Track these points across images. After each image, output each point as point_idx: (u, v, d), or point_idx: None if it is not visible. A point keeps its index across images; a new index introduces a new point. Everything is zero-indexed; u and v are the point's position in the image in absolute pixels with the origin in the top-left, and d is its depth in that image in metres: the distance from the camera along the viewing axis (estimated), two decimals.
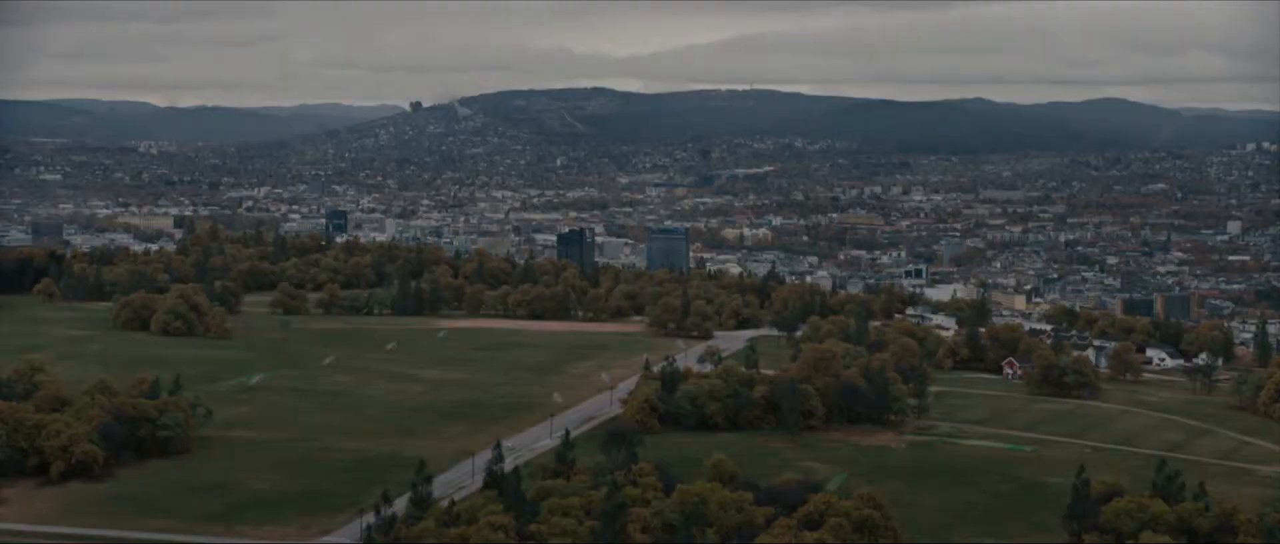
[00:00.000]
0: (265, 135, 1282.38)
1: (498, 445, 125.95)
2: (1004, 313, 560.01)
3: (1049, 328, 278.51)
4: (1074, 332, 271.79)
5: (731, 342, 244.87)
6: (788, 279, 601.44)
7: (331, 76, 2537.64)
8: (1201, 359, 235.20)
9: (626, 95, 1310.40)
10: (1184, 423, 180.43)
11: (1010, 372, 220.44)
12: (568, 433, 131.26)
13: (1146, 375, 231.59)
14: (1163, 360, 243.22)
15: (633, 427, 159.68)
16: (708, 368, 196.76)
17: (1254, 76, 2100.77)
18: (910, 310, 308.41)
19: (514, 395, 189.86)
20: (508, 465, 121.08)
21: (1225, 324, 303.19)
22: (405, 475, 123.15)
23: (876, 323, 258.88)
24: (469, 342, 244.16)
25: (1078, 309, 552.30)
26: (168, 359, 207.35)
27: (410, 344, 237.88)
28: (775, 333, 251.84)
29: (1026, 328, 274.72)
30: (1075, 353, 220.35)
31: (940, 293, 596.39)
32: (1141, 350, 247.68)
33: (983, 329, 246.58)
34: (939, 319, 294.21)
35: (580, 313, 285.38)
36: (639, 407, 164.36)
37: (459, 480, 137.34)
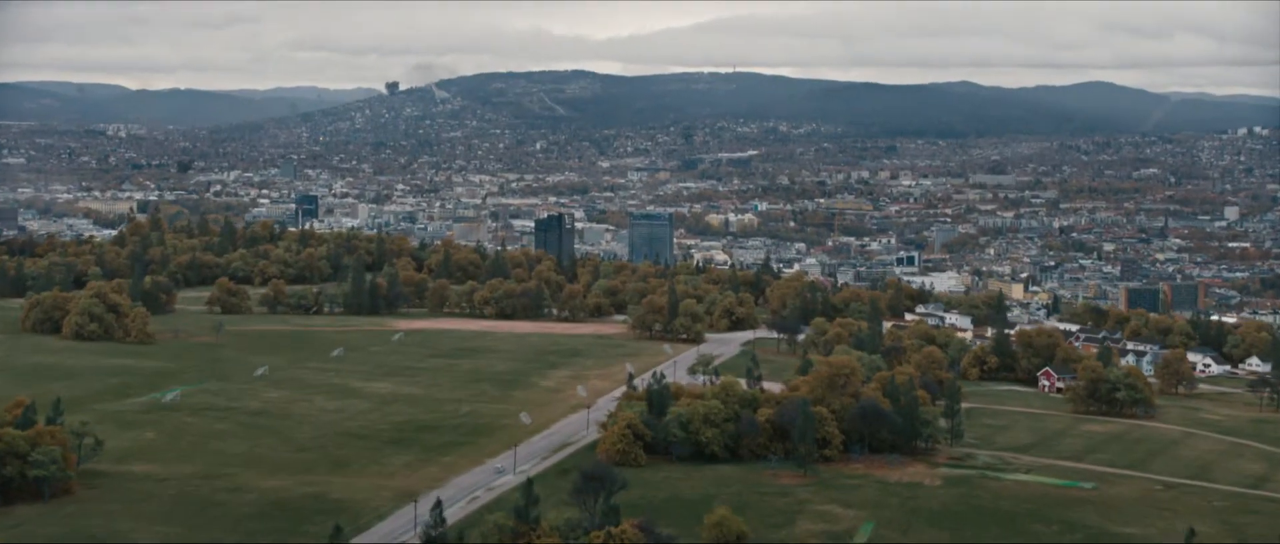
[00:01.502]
0: (239, 119, 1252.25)
1: (438, 507, 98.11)
2: (1010, 303, 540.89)
3: (1076, 328, 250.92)
4: (1103, 333, 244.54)
5: (724, 346, 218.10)
6: (777, 268, 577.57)
7: (307, 59, 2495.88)
8: (1251, 366, 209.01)
9: (607, 78, 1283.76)
10: (1260, 449, 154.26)
11: (1047, 384, 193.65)
12: (530, 483, 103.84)
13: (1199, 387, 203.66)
14: (1208, 367, 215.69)
15: (613, 459, 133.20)
16: (700, 381, 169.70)
17: (1240, 60, 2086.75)
18: (921, 308, 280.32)
19: (474, 415, 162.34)
20: (460, 511, 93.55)
21: (1274, 325, 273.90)
22: (326, 527, 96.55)
23: (886, 323, 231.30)
24: (427, 346, 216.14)
25: (1080, 299, 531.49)
26: (75, 370, 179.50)
27: (360, 350, 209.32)
28: (774, 336, 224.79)
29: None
30: (1124, 362, 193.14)
31: (937, 281, 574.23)
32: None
33: (1012, 332, 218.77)
34: (953, 318, 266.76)
35: (554, 311, 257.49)
36: (620, 434, 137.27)
37: (397, 532, 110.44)
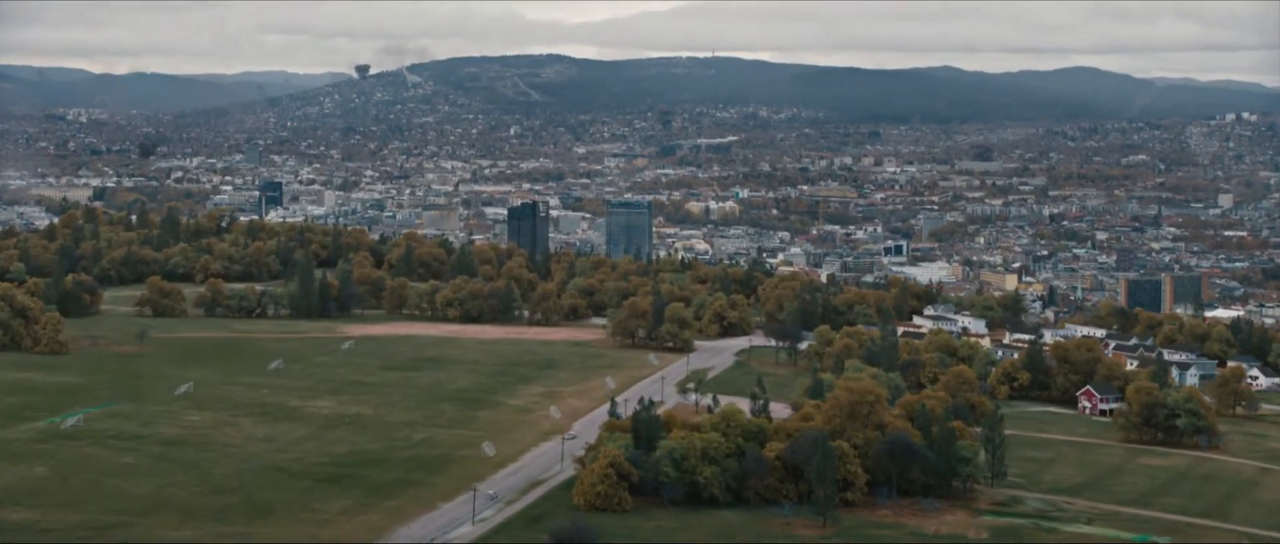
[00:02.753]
0: (205, 104, 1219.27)
1: None
2: (995, 291, 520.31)
3: (1103, 334, 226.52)
4: (1134, 339, 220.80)
5: (716, 356, 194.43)
6: (764, 261, 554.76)
7: (276, 43, 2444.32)
8: None
9: (583, 62, 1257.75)
10: None
11: (1088, 405, 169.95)
12: None
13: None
14: (1256, 380, 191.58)
15: (593, 502, 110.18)
16: (692, 401, 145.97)
17: (1225, 46, 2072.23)
18: (930, 310, 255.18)
19: (429, 444, 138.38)
20: None
21: None
22: None
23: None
24: (381, 355, 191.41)
25: (1079, 292, 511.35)
26: None
27: (302, 361, 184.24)
28: (771, 344, 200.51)
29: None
30: (1181, 382, 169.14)
31: (926, 271, 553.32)
32: (1222, 363, 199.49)
33: (1047, 343, 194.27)
34: (965, 321, 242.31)
35: (526, 314, 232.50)
36: (601, 474, 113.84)
37: None
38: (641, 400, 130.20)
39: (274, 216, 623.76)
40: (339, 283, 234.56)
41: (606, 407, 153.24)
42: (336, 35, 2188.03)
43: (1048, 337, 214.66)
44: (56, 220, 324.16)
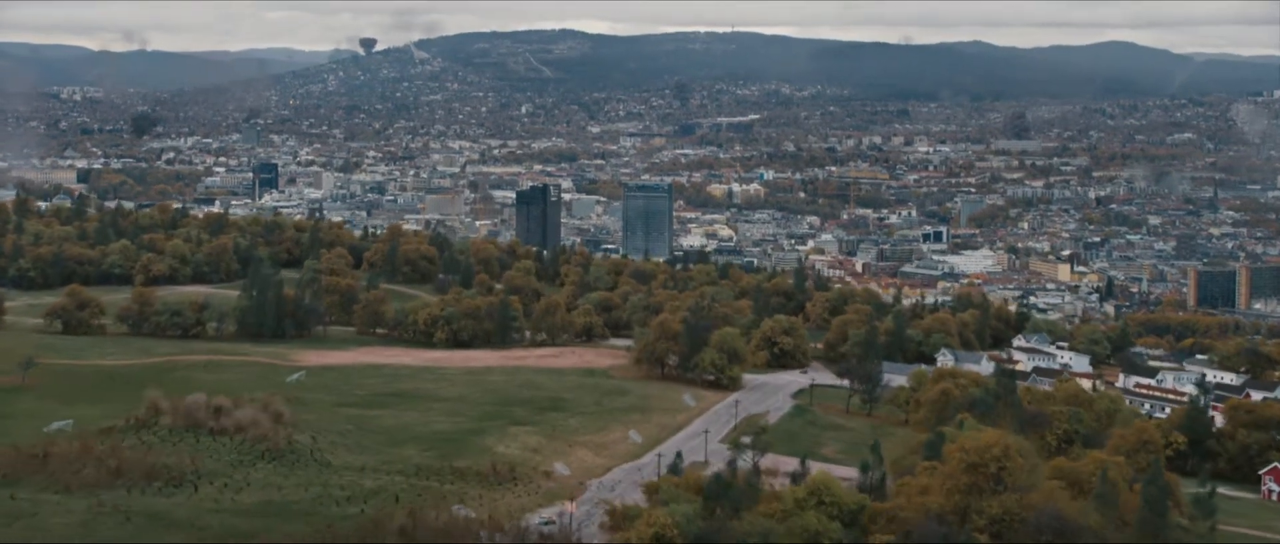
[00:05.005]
0: (206, 82, 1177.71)
1: None
2: (1048, 283, 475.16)
3: (1238, 378, 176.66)
4: None
5: (769, 397, 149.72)
6: (784, 245, 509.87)
7: (280, 19, 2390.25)
8: None
9: (597, 37, 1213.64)
10: None
11: (1275, 488, 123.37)
12: None
13: None
14: None
15: None
16: (747, 464, 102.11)
17: (1264, 19, 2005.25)
18: (1020, 341, 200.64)
19: (376, 532, 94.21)
20: None
21: None
22: None
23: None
24: (338, 390, 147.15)
25: (1145, 283, 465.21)
26: None
27: (232, 396, 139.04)
28: (838, 383, 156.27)
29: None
30: None
31: (969, 261, 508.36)
32: None
33: (1214, 406, 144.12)
34: (1067, 357, 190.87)
35: (527, 334, 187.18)
36: None
37: None
38: (723, 471, 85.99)
39: (268, 200, 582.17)
40: (304, 293, 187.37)
41: (630, 465, 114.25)
42: (341, 10, 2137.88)
43: (1170, 380, 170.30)
44: None
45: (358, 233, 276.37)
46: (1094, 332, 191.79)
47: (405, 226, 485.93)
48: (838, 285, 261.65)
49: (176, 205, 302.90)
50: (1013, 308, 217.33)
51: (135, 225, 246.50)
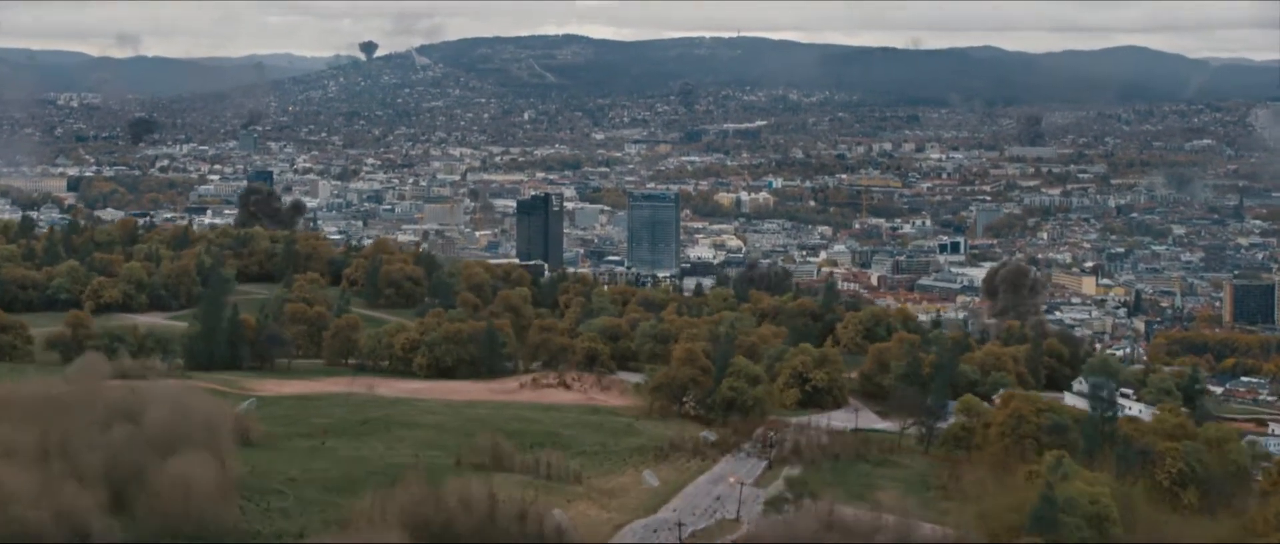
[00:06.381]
0: (206, 87, 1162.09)
1: None
2: (1072, 297, 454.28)
3: None
4: None
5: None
6: (796, 256, 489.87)
7: (280, 23, 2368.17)
8: None
9: (601, 43, 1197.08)
10: None
11: None
12: None
13: None
14: None
15: None
16: (786, 520, 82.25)
17: (1277, 23, 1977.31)
18: (1079, 386, 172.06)
19: None
20: None
21: None
22: None
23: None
24: (293, 419, 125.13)
25: (1179, 298, 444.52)
26: None
27: None
28: (886, 426, 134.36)
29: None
30: None
31: (985, 273, 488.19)
32: None
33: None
34: (1133, 408, 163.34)
35: (519, 364, 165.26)
36: None
37: None
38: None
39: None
40: (264, 317, 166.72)
41: (645, 520, 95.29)
42: (342, 14, 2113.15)
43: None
44: None
45: (342, 248, 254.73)
46: (1163, 380, 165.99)
47: (401, 238, 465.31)
48: (868, 305, 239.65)
49: (168, 215, 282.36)
50: (1062, 345, 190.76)
51: (91, 242, 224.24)
